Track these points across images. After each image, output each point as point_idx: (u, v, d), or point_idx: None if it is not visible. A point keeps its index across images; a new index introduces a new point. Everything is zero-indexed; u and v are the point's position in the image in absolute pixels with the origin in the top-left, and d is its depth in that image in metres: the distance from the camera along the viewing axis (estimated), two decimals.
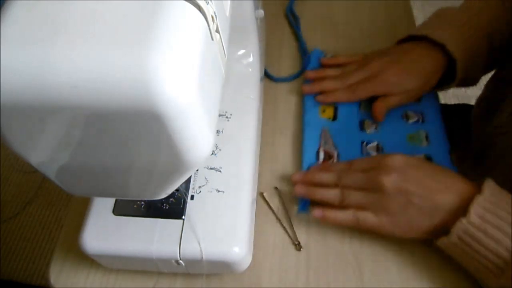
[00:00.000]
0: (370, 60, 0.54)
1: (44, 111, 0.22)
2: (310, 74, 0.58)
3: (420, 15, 1.58)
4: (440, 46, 0.50)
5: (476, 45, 0.51)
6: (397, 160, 0.42)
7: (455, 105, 0.72)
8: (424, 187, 0.40)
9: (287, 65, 0.63)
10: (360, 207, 0.43)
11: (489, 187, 0.39)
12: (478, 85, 0.57)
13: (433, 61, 0.52)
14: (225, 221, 0.41)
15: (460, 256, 0.40)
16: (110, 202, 0.42)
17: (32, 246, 1.23)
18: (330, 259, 0.46)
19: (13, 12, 0.23)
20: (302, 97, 0.58)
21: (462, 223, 0.37)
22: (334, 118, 0.55)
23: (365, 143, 0.53)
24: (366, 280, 0.44)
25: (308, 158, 0.51)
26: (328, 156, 0.51)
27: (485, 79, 0.59)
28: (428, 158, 0.51)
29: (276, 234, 0.48)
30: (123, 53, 0.21)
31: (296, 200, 0.49)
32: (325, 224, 0.47)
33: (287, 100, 0.59)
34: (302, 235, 0.47)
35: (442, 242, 0.40)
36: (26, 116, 0.23)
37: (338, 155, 0.51)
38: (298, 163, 0.52)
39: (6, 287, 1.01)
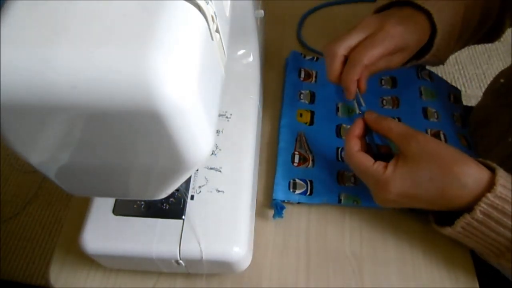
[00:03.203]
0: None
1: (44, 111, 0.22)
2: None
3: None
4: (425, 14, 0.47)
5: (453, 18, 0.48)
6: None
7: None
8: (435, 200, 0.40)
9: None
10: None
11: (501, 182, 0.38)
12: (477, 85, 0.57)
13: (421, 21, 0.47)
14: (225, 221, 0.41)
15: (462, 240, 0.41)
16: (110, 202, 0.42)
17: (32, 246, 1.23)
18: (330, 259, 0.46)
19: (13, 12, 0.23)
20: (281, 100, 0.57)
21: (466, 218, 0.38)
22: (311, 123, 0.55)
23: (340, 149, 0.53)
24: (366, 280, 0.44)
25: (283, 160, 0.51)
26: (303, 159, 0.51)
27: (483, 86, 0.59)
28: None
29: (276, 234, 0.48)
30: (123, 53, 0.21)
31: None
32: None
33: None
34: (302, 235, 0.47)
35: (446, 230, 0.41)
36: (26, 116, 0.23)
37: (313, 159, 0.51)
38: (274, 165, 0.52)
39: (6, 287, 1.01)
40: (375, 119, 0.44)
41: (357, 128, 0.44)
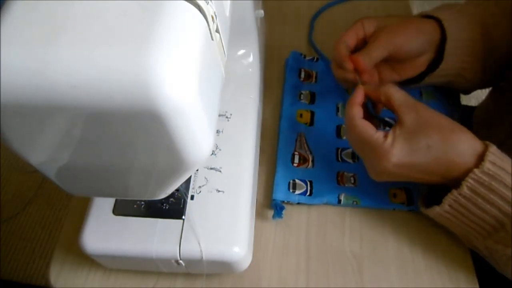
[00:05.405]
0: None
1: (44, 111, 0.22)
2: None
3: None
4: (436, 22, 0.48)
5: (469, 32, 0.48)
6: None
7: None
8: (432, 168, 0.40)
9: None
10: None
11: (490, 158, 0.37)
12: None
13: (430, 26, 0.48)
14: (225, 221, 0.41)
15: (449, 221, 0.42)
16: (110, 202, 0.42)
17: (32, 246, 1.23)
18: (330, 259, 0.46)
19: (13, 12, 0.23)
20: (281, 100, 0.57)
21: (453, 194, 0.38)
22: (311, 123, 0.55)
23: (340, 149, 0.52)
24: (366, 279, 0.44)
25: (283, 161, 0.51)
26: (303, 159, 0.51)
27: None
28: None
29: (276, 234, 0.48)
30: (123, 53, 0.21)
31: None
32: None
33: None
34: (302, 235, 0.47)
35: (433, 210, 0.41)
36: (26, 116, 0.23)
37: (313, 160, 0.51)
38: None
39: (6, 287, 1.01)
40: (374, 87, 0.43)
41: (359, 95, 0.44)
